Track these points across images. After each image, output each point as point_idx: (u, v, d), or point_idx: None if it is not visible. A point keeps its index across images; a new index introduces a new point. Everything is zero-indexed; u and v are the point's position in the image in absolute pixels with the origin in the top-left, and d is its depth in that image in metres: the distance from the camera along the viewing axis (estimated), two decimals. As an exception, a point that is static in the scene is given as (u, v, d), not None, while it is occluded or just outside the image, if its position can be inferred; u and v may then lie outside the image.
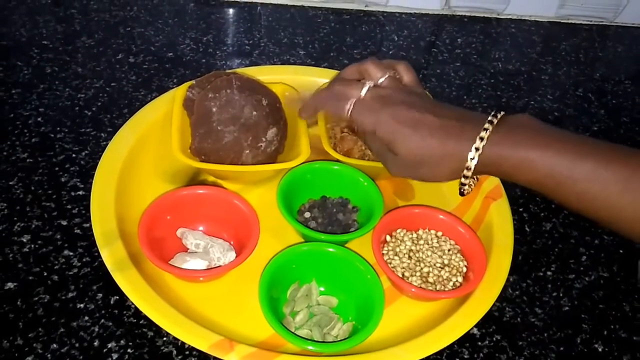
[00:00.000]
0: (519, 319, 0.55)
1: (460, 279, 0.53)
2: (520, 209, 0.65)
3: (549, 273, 0.60)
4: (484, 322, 0.53)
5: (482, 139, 0.44)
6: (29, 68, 0.75)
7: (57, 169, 0.62)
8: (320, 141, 0.60)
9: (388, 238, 0.56)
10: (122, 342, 0.49)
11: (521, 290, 0.57)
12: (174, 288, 0.52)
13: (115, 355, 0.48)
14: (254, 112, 0.58)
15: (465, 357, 0.51)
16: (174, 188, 0.57)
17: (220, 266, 0.52)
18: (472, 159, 0.45)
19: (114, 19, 0.86)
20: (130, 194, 0.57)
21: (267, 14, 0.93)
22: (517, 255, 0.58)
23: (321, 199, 0.60)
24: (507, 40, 0.96)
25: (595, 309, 0.57)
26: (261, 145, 0.59)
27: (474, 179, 0.48)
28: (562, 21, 1.02)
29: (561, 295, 0.58)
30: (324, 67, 0.81)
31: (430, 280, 0.53)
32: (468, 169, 0.45)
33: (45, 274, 0.53)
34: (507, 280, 0.54)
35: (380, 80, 0.51)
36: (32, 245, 0.55)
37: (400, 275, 0.53)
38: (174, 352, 0.48)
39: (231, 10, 0.92)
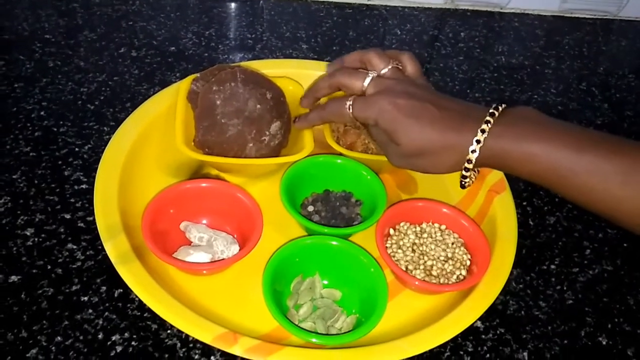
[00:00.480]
0: (522, 312, 0.55)
1: (463, 272, 0.53)
2: (524, 203, 0.65)
3: (552, 266, 0.60)
4: (488, 315, 0.52)
5: (483, 131, 0.44)
6: (31, 62, 0.74)
7: (60, 162, 0.62)
8: (324, 135, 0.60)
9: (391, 231, 0.56)
10: (126, 334, 0.49)
11: (525, 284, 0.57)
12: (178, 281, 0.52)
13: (119, 348, 0.48)
14: (258, 106, 0.58)
15: (469, 350, 0.51)
16: (178, 181, 0.57)
17: (223, 259, 0.52)
18: (473, 151, 0.45)
19: (116, 13, 0.86)
20: (133, 188, 0.57)
21: (270, 7, 0.92)
22: (520, 248, 0.58)
23: (324, 192, 0.60)
24: (510, 34, 0.95)
25: (599, 302, 0.57)
26: (265, 139, 0.59)
27: (475, 171, 0.48)
28: (565, 15, 1.01)
29: (565, 288, 0.58)
30: (327, 61, 0.80)
31: (434, 273, 0.53)
32: (469, 161, 0.45)
33: (49, 267, 0.53)
34: (511, 273, 0.54)
35: (383, 71, 0.51)
36: (36, 239, 0.55)
37: (404, 269, 0.53)
38: (178, 344, 0.48)
39: (233, 4, 0.92)
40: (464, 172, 0.47)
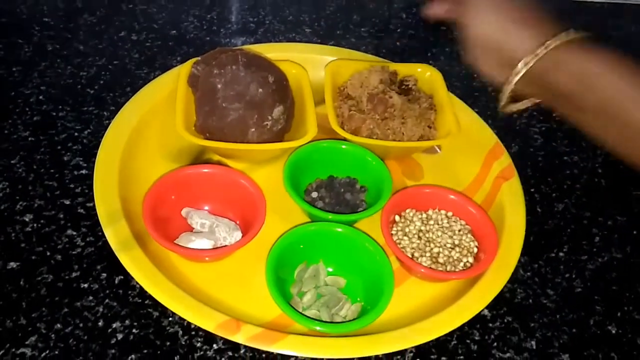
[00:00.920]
0: (530, 301, 0.54)
1: (471, 260, 0.52)
2: (532, 189, 0.64)
3: (561, 254, 0.58)
4: (495, 304, 0.51)
5: (546, 47, 0.41)
6: (29, 46, 0.73)
7: (59, 147, 0.61)
8: (328, 120, 0.59)
9: (397, 218, 0.55)
10: (127, 322, 0.48)
11: (533, 272, 0.56)
12: (179, 268, 0.51)
13: (120, 336, 0.47)
14: (260, 90, 0.57)
15: (476, 338, 0.50)
16: (179, 167, 0.56)
17: (226, 246, 0.51)
18: (535, 55, 0.42)
19: (116, -4, 0.84)
20: (134, 173, 0.56)
21: (272, -9, 0.91)
22: (528, 236, 0.56)
23: (328, 178, 0.59)
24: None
25: (609, 290, 0.56)
26: (267, 124, 0.57)
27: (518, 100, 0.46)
28: (573, -1, 0.99)
29: (574, 276, 0.57)
30: (331, 45, 0.79)
31: (441, 260, 0.52)
32: (525, 63, 0.42)
33: (48, 253, 0.52)
34: (519, 261, 0.53)
35: None
36: (35, 225, 0.54)
37: (410, 256, 0.52)
38: (180, 332, 0.48)
39: (235, -12, 0.90)
40: (510, 80, 0.44)
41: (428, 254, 0.52)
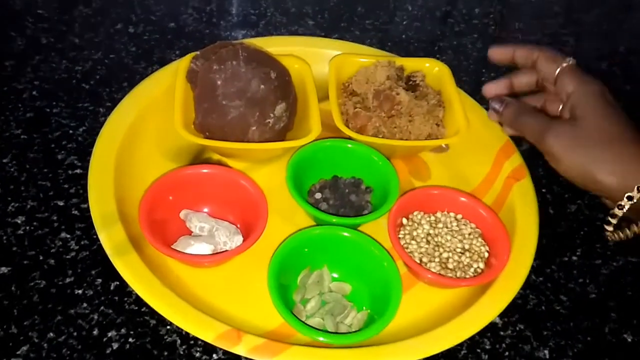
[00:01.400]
0: (543, 307, 0.52)
1: (481, 265, 0.50)
2: (543, 190, 0.62)
3: (574, 258, 0.56)
4: (507, 311, 0.49)
5: None
6: (23, 38, 0.71)
7: (53, 145, 0.59)
8: (332, 118, 0.57)
9: (404, 221, 0.53)
10: (123, 330, 0.46)
11: (545, 276, 0.54)
12: (177, 274, 0.49)
13: (115, 345, 0.45)
14: (262, 86, 0.54)
15: (487, 347, 0.48)
16: (177, 167, 0.54)
17: (226, 251, 0.49)
18: (629, 197, 0.44)
19: (113, -13, 0.82)
20: (130, 173, 0.54)
21: (274, -18, 0.88)
22: (540, 239, 0.54)
23: (333, 178, 0.57)
24: (527, 10, 0.91)
25: (624, 296, 0.54)
26: (269, 122, 0.55)
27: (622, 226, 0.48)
28: (584, -10, 0.96)
29: (587, 281, 0.54)
30: (334, 38, 0.76)
31: (450, 266, 0.50)
32: (620, 207, 0.45)
33: (41, 257, 0.50)
34: (531, 265, 0.51)
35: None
36: (27, 227, 0.51)
37: (418, 261, 0.50)
38: (178, 341, 0.46)
39: (236, -22, 0.87)
40: (612, 215, 0.47)
41: (437, 259, 0.50)
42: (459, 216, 0.54)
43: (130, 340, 0.45)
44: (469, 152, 0.61)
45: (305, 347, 0.43)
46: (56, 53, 0.69)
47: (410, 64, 0.64)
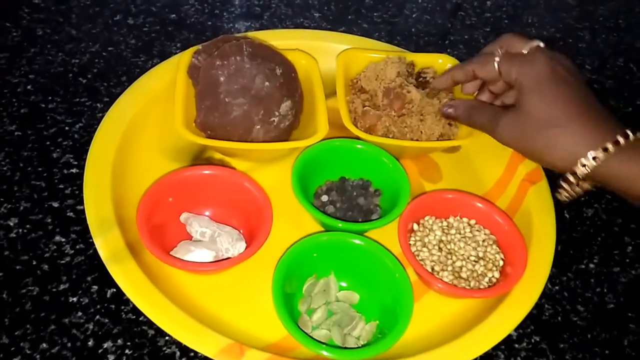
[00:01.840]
0: (559, 318, 0.50)
1: (496, 275, 0.48)
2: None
3: (591, 265, 0.54)
4: (522, 322, 0.47)
5: (606, 149, 0.42)
6: (18, 30, 0.68)
7: (48, 143, 0.56)
8: (340, 116, 0.54)
9: (415, 226, 0.50)
10: (120, 341, 0.44)
11: (561, 285, 0.52)
12: (177, 282, 0.47)
13: (111, 357, 0.43)
14: (267, 83, 0.52)
15: (501, 361, 0.46)
16: (177, 168, 0.52)
17: (228, 258, 0.46)
18: (594, 158, 0.42)
19: (112, -24, 0.79)
20: (128, 174, 0.52)
21: (279, -29, 0.85)
22: (556, 245, 0.52)
23: (340, 180, 0.54)
24: (540, 3, 0.87)
25: (644, 306, 0.52)
26: (274, 120, 0.53)
27: (578, 186, 0.45)
28: (600, -17, 0.93)
29: (605, 290, 0.52)
30: (342, 31, 0.74)
31: (463, 275, 0.47)
32: (582, 165, 0.43)
33: (34, 262, 0.47)
34: (547, 274, 0.49)
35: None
36: (20, 230, 0.49)
37: (430, 270, 0.47)
38: (177, 353, 0.43)
39: (239, -32, 0.84)
40: (567, 178, 0.44)
41: (450, 268, 0.47)
42: (473, 222, 0.51)
43: (127, 351, 0.43)
44: (482, 152, 0.59)
45: (311, 362, 0.41)
46: (52, 45, 0.66)
47: (422, 59, 0.61)
